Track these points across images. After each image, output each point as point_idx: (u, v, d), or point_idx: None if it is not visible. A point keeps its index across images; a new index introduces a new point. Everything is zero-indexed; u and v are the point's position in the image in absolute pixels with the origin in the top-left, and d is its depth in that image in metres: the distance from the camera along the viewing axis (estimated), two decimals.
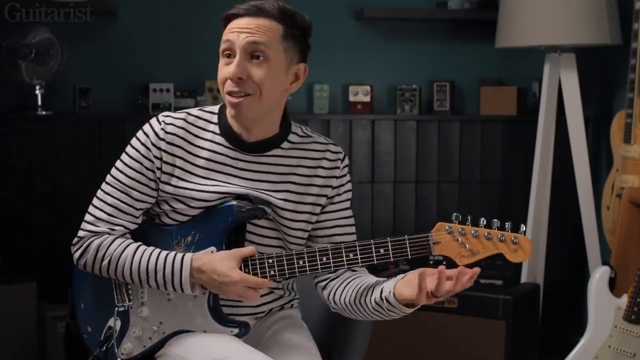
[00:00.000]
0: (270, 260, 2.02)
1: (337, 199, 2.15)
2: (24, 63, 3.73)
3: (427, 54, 4.17)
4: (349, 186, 2.17)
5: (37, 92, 3.75)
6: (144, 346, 2.10)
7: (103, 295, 2.15)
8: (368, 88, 4.03)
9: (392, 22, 4.15)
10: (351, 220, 2.18)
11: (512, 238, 1.97)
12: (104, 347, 2.11)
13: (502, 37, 3.68)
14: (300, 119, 3.98)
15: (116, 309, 2.12)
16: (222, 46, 2.02)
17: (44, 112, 3.77)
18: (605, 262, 3.04)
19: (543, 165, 3.75)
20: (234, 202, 2.05)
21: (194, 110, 2.13)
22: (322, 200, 2.13)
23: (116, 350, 2.10)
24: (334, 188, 2.14)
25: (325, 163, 2.13)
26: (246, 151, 2.08)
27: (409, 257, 1.99)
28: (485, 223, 1.99)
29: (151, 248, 2.08)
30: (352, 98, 4.04)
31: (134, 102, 3.94)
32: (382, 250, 1.99)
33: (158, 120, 2.08)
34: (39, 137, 3.80)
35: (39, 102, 3.76)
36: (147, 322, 2.10)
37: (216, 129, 2.09)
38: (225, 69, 2.02)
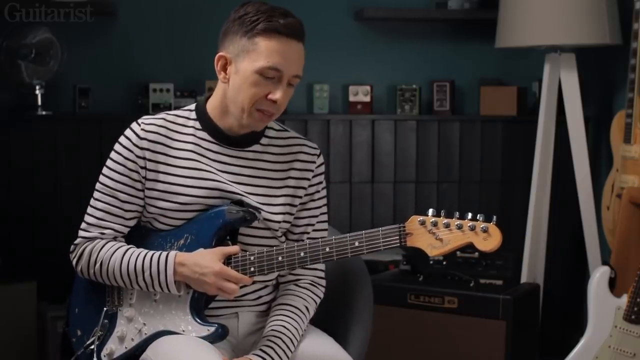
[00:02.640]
0: (252, 258, 2.07)
1: (317, 195, 2.21)
2: (24, 63, 3.73)
3: (427, 54, 4.17)
4: (324, 184, 2.24)
5: (37, 92, 3.75)
6: (126, 347, 2.12)
7: (95, 299, 2.19)
8: (368, 88, 4.03)
9: (392, 22, 4.15)
10: (325, 217, 2.25)
11: (482, 226, 2.01)
12: (89, 348, 2.13)
13: (502, 37, 3.68)
14: (300, 119, 3.99)
15: (105, 310, 2.16)
16: (266, 70, 2.03)
17: (44, 112, 3.77)
18: (605, 262, 3.04)
19: (543, 165, 3.74)
20: (226, 206, 2.09)
21: (171, 111, 2.19)
22: (300, 193, 2.18)
23: (100, 352, 2.13)
24: (310, 181, 2.19)
25: (302, 156, 2.20)
26: (230, 145, 2.14)
27: (382, 248, 2.02)
28: (458, 215, 2.03)
29: (139, 250, 2.12)
30: (352, 98, 4.04)
31: (134, 102, 3.95)
32: (356, 243, 2.03)
33: (137, 123, 2.15)
34: (39, 137, 3.80)
35: (39, 102, 3.76)
36: (131, 323, 2.13)
37: (197, 124, 2.15)
38: (266, 89, 2.05)
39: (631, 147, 3.30)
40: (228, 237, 2.12)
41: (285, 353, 2.07)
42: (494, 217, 2.03)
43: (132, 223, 2.16)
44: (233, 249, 2.08)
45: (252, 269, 2.07)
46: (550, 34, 3.54)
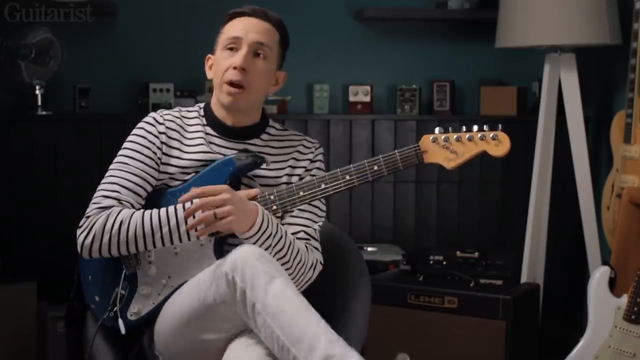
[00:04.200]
0: (272, 197, 2.14)
1: (314, 171, 2.28)
2: (24, 63, 3.73)
3: (427, 54, 4.17)
4: (321, 173, 2.28)
5: (37, 92, 3.75)
6: (153, 303, 2.15)
7: (109, 264, 2.19)
8: (368, 88, 4.03)
9: (392, 22, 4.15)
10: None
11: (492, 135, 2.13)
12: (112, 311, 2.14)
13: (502, 37, 3.68)
14: (300, 119, 3.99)
15: (124, 272, 2.17)
16: (227, 41, 2.21)
17: (44, 112, 3.77)
18: (605, 262, 3.03)
19: (543, 165, 3.74)
20: (233, 155, 2.19)
21: (184, 107, 2.32)
22: (294, 180, 2.26)
23: (126, 312, 2.15)
24: (306, 170, 2.28)
25: (301, 148, 2.30)
26: (231, 137, 2.24)
27: (401, 168, 2.15)
28: (465, 129, 2.15)
29: (159, 209, 2.14)
30: (352, 98, 4.04)
31: (134, 102, 3.95)
32: (375, 167, 2.15)
33: (155, 112, 2.28)
34: (39, 137, 3.80)
35: (39, 102, 3.76)
36: (155, 279, 2.16)
37: (203, 120, 2.27)
38: (230, 60, 2.19)
39: (631, 147, 3.30)
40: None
41: (279, 228, 2.12)
42: (500, 125, 2.15)
43: (143, 202, 2.20)
44: (254, 191, 2.14)
45: (274, 207, 2.13)
46: (550, 34, 3.54)
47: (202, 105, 2.32)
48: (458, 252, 3.52)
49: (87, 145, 3.79)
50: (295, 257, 2.14)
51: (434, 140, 2.14)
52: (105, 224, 2.11)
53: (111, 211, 2.13)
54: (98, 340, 2.17)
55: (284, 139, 2.30)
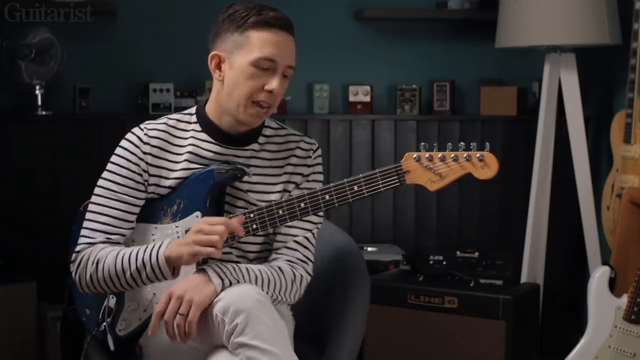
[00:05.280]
0: (252, 215, 2.07)
1: (304, 185, 2.20)
2: (24, 63, 3.73)
3: (427, 54, 4.17)
4: (319, 177, 2.23)
5: (37, 92, 3.75)
6: (140, 319, 2.13)
7: None
8: (368, 88, 4.03)
9: (392, 22, 4.15)
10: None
11: (478, 156, 2.03)
12: (102, 325, 2.14)
13: (502, 37, 3.68)
14: (300, 119, 3.99)
15: None
16: (260, 61, 2.07)
17: (44, 112, 3.78)
18: (605, 262, 3.04)
19: (543, 165, 3.74)
20: (214, 167, 2.12)
21: (173, 115, 2.20)
22: (290, 187, 2.19)
23: (114, 327, 2.14)
24: (303, 176, 2.21)
25: (298, 152, 2.21)
26: (228, 144, 2.15)
27: (382, 189, 2.02)
28: (451, 147, 2.04)
29: (130, 249, 2.08)
30: (352, 98, 4.04)
31: (134, 102, 3.94)
32: (355, 187, 2.04)
33: (140, 128, 2.16)
34: (39, 137, 3.80)
35: (39, 102, 3.76)
36: (140, 296, 2.13)
37: (197, 127, 2.17)
38: (261, 80, 2.08)
39: (631, 147, 3.31)
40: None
41: (239, 272, 2.04)
42: (487, 145, 2.04)
43: (135, 225, 2.16)
44: (238, 219, 2.06)
45: (254, 226, 2.07)
46: (550, 34, 3.54)
47: (193, 110, 2.20)
48: (458, 252, 3.52)
49: (87, 145, 3.79)
50: (269, 288, 2.07)
51: (418, 160, 2.02)
52: (87, 263, 2.10)
53: (93, 249, 2.11)
54: (92, 351, 2.18)
55: (280, 140, 2.21)
